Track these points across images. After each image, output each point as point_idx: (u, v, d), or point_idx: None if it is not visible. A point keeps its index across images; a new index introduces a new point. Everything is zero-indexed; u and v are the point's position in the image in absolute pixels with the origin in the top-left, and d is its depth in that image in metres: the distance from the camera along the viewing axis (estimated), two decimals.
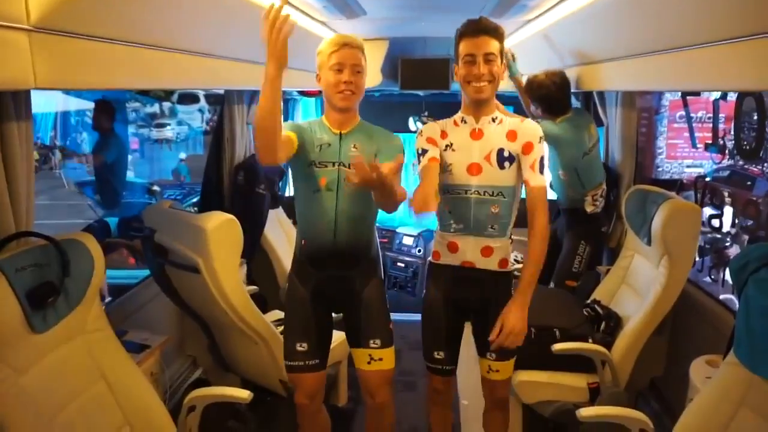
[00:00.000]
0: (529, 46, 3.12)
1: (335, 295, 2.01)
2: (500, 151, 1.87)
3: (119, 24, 1.29)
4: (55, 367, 1.53)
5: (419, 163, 1.90)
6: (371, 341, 1.98)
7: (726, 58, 1.46)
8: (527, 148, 1.86)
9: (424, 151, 1.88)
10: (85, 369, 1.63)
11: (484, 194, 1.89)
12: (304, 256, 1.98)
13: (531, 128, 1.89)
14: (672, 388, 2.59)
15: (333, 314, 2.09)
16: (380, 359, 1.97)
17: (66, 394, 1.55)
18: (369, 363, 1.98)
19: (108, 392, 1.68)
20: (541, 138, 1.88)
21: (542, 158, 1.88)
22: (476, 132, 1.90)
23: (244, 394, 1.82)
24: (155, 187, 7.26)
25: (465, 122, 1.92)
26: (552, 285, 2.93)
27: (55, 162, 8.25)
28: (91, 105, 7.87)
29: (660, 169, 8.79)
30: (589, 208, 2.91)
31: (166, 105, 12.54)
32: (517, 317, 1.82)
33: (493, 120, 1.90)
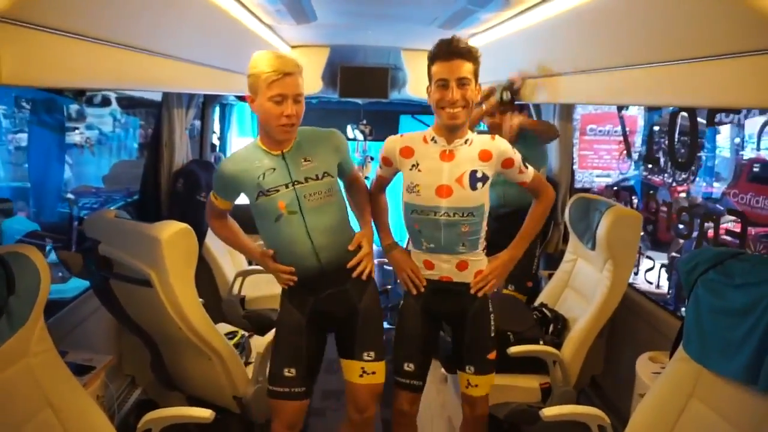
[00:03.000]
0: None
1: (335, 311, 1.93)
2: (473, 173, 1.84)
3: (85, 19, 1.19)
4: None
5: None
6: (365, 354, 1.91)
7: (666, 77, 1.58)
8: (508, 163, 1.88)
9: (380, 166, 1.97)
10: (30, 396, 1.48)
11: (454, 215, 1.85)
12: (293, 283, 1.90)
13: (503, 144, 1.88)
14: (612, 385, 2.75)
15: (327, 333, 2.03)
16: (373, 373, 1.91)
17: (10, 423, 1.40)
18: (361, 376, 1.91)
19: (55, 420, 1.52)
20: (513, 149, 1.90)
21: (523, 158, 1.91)
22: (447, 154, 1.85)
23: (205, 413, 1.72)
24: (69, 195, 6.72)
25: (435, 142, 1.86)
26: (511, 286, 3.00)
27: None
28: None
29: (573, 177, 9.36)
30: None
31: (73, 108, 11.70)
32: (503, 265, 1.96)
33: (465, 141, 1.86)
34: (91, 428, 1.59)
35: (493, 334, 2.01)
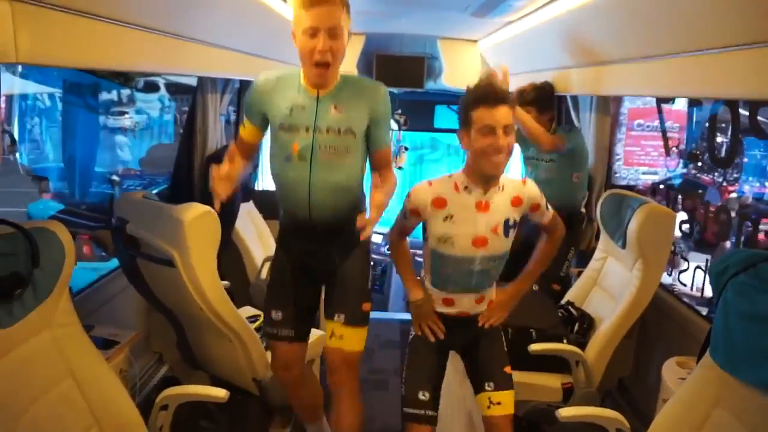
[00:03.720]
0: (507, 48, 3.15)
1: (317, 268, 1.93)
2: (506, 221, 1.80)
3: (107, 1, 1.22)
4: (20, 363, 1.43)
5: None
6: (335, 315, 1.88)
7: (712, 66, 1.50)
8: (534, 207, 1.84)
9: (404, 216, 1.84)
10: (53, 366, 1.54)
11: (488, 263, 1.82)
12: (284, 226, 1.91)
13: (533, 188, 1.84)
14: (639, 388, 2.66)
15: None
16: (341, 336, 1.86)
17: (32, 392, 1.46)
18: (331, 338, 1.88)
19: (76, 390, 1.58)
20: (540, 193, 1.86)
21: (545, 200, 1.87)
22: (483, 204, 1.77)
23: (220, 393, 1.75)
24: (114, 177, 6.99)
25: (469, 191, 1.76)
26: (536, 287, 2.95)
27: (5, 147, 7.83)
28: (47, 89, 7.50)
29: (617, 174, 9.09)
30: (583, 209, 3.03)
31: (125, 92, 12.10)
32: (508, 299, 1.95)
33: (499, 188, 1.79)
34: (111, 399, 1.64)
35: (506, 349, 1.98)
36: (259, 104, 1.80)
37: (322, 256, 1.90)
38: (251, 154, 1.98)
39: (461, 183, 1.77)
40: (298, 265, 1.93)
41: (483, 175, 1.74)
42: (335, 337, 1.87)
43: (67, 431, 1.53)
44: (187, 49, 1.80)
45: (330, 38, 1.61)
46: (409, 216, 1.83)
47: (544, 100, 2.87)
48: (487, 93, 1.67)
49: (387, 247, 4.85)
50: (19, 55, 1.00)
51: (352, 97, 1.75)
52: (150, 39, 1.47)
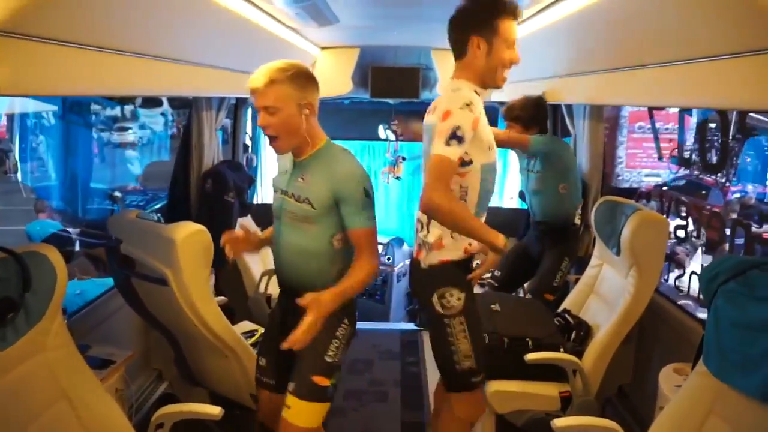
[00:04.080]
0: None
1: (292, 326, 1.78)
2: None
3: (84, 28, 1.24)
4: (14, 386, 1.45)
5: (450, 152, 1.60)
6: (288, 383, 1.80)
7: (697, 76, 1.50)
8: None
9: (461, 140, 1.62)
10: (47, 388, 1.55)
11: None
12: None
13: None
14: (639, 396, 2.64)
15: None
16: (288, 407, 1.76)
17: (27, 414, 1.47)
18: (283, 408, 1.79)
19: (70, 412, 1.59)
20: None
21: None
22: None
23: (215, 410, 1.75)
24: (116, 193, 7.04)
25: (479, 96, 1.77)
26: (529, 296, 2.96)
27: (9, 166, 7.91)
28: (48, 107, 7.58)
29: (620, 177, 9.08)
30: (577, 221, 3.00)
31: (128, 108, 12.21)
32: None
33: None
34: (105, 420, 1.65)
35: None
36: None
37: (293, 314, 1.80)
38: None
39: (473, 89, 1.76)
40: (283, 318, 1.91)
41: (486, 87, 1.77)
42: (285, 406, 1.79)
43: None
44: (174, 71, 1.82)
45: (269, 115, 1.68)
46: (468, 134, 1.64)
47: (529, 117, 2.91)
48: (516, 6, 1.70)
49: (387, 257, 4.85)
50: (1, 88, 1.02)
51: (318, 170, 1.75)
52: (136, 62, 1.49)
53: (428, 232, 1.86)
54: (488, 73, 1.77)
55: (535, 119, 2.91)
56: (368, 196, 1.71)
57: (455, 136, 1.61)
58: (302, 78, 1.69)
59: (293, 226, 1.78)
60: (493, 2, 1.72)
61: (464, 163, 1.74)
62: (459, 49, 1.79)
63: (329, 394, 1.79)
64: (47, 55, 1.14)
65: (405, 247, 5.18)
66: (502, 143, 2.78)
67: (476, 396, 1.96)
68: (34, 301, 1.49)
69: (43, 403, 1.53)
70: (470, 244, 1.86)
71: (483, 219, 1.85)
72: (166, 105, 12.67)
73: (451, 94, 1.72)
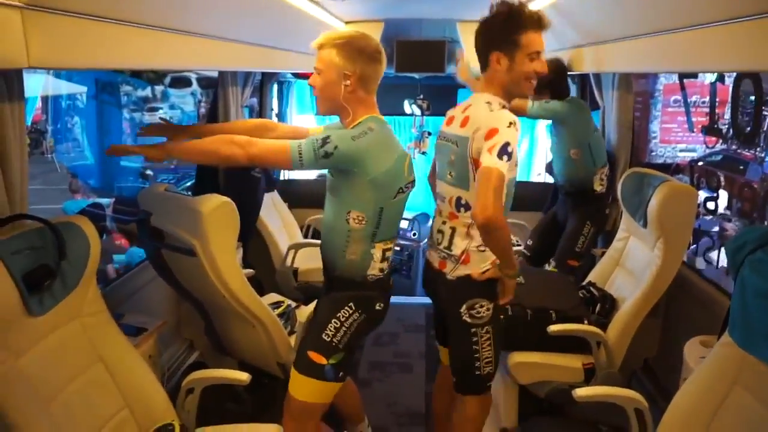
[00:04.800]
0: None
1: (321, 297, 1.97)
2: None
3: (114, 3, 1.27)
4: (52, 350, 1.53)
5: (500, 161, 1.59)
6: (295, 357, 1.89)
7: (724, 39, 1.45)
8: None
9: (509, 156, 1.61)
10: (83, 352, 1.63)
11: None
12: None
13: None
14: (665, 369, 2.63)
15: None
16: (291, 378, 1.86)
17: (64, 376, 1.55)
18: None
19: (106, 375, 1.68)
20: None
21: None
22: None
23: (243, 376, 1.82)
24: (149, 171, 7.21)
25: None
26: (553, 264, 2.95)
27: (46, 146, 8.16)
28: (80, 89, 7.75)
29: (654, 153, 8.84)
30: (597, 187, 2.94)
31: (158, 89, 12.39)
32: None
33: None
34: (139, 383, 1.73)
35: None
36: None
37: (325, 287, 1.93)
38: None
39: (503, 103, 1.78)
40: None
41: (512, 97, 1.80)
42: (290, 381, 1.87)
43: (99, 413, 1.63)
44: (200, 46, 1.84)
45: (316, 75, 1.77)
46: (514, 152, 1.64)
47: (541, 82, 2.87)
48: (539, 17, 1.70)
49: (413, 232, 4.87)
50: (30, 60, 1.06)
51: None
52: (160, 37, 1.51)
53: (451, 244, 1.85)
54: (512, 86, 1.77)
55: (548, 84, 2.85)
56: (323, 142, 1.61)
57: (506, 152, 1.60)
58: (350, 49, 1.71)
59: (328, 195, 1.82)
60: (513, 17, 1.70)
61: None
62: (483, 63, 1.80)
63: (327, 374, 1.80)
64: (76, 29, 1.17)
65: (430, 222, 5.19)
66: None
67: (488, 397, 2.00)
68: (69, 269, 1.56)
69: (80, 366, 1.61)
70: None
71: None
72: (195, 85, 12.81)
73: (488, 110, 1.73)
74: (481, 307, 1.83)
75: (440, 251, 1.89)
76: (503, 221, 1.60)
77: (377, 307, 1.87)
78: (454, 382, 1.97)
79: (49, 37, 1.10)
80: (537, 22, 1.70)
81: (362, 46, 1.72)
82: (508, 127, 1.64)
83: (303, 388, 1.83)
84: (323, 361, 1.79)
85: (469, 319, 1.84)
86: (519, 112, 2.86)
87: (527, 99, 2.85)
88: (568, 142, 2.90)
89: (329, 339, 1.80)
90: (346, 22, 3.79)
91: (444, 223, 1.89)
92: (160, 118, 1.97)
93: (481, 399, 1.96)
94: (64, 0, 1.11)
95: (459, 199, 1.82)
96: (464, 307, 1.83)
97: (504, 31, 1.71)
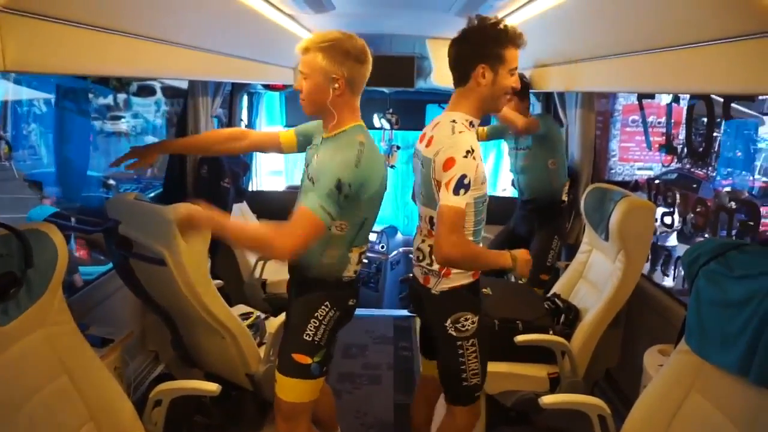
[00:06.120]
0: None
1: (292, 300, 1.97)
2: None
3: (91, 8, 1.27)
4: (16, 360, 1.48)
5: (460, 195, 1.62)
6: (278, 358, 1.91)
7: (684, 61, 1.54)
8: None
9: (466, 188, 1.64)
10: (48, 362, 1.58)
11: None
12: None
13: None
14: (626, 378, 2.71)
15: None
16: (277, 382, 1.87)
17: (28, 387, 1.51)
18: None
19: (71, 386, 1.63)
20: None
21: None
22: None
23: (212, 387, 1.80)
24: (111, 181, 7.03)
25: (474, 128, 1.82)
26: (523, 280, 3.01)
27: (1, 153, 7.88)
28: (42, 95, 7.52)
29: (613, 171, 9.14)
30: (564, 198, 3.06)
31: (121, 97, 12.13)
32: None
33: None
34: (105, 395, 1.69)
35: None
36: (308, 135, 1.97)
37: (294, 290, 1.95)
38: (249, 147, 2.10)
39: (470, 121, 1.79)
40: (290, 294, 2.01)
41: (485, 112, 1.83)
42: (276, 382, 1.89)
43: (63, 425, 1.58)
44: (175, 54, 1.84)
45: (302, 79, 1.74)
46: (473, 180, 1.66)
47: (524, 89, 2.97)
48: (520, 35, 1.74)
49: (380, 245, 4.90)
50: (6, 64, 1.05)
51: (329, 151, 1.73)
52: (137, 45, 1.51)
53: (431, 261, 1.87)
54: (491, 100, 1.79)
55: (527, 92, 3.00)
56: (339, 189, 1.62)
57: (462, 185, 1.63)
58: (337, 52, 1.68)
59: (302, 198, 1.78)
60: (500, 32, 1.74)
61: None
62: (462, 77, 1.79)
63: (313, 372, 1.83)
64: (50, 34, 1.16)
65: (399, 235, 5.22)
66: (521, 131, 2.92)
67: (477, 406, 2.03)
68: (36, 277, 1.52)
69: (44, 377, 1.56)
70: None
71: (480, 245, 1.91)
72: (159, 94, 12.60)
73: (449, 132, 1.74)
74: (466, 320, 1.87)
75: (423, 267, 1.93)
76: (463, 254, 1.65)
77: (350, 303, 1.90)
78: (444, 393, 2.00)
79: (26, 40, 1.09)
80: (518, 39, 1.75)
81: (348, 48, 1.70)
82: (465, 156, 1.65)
83: (292, 391, 1.84)
84: (308, 360, 1.81)
85: (454, 333, 1.87)
86: (534, 130, 2.94)
87: (521, 105, 2.96)
88: (549, 152, 3.00)
89: (311, 338, 1.81)
90: None
91: (423, 241, 1.92)
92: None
93: (470, 409, 1.99)
94: (41, 4, 1.11)
95: (431, 218, 1.85)
96: (449, 320, 1.86)
97: (491, 45, 1.73)
